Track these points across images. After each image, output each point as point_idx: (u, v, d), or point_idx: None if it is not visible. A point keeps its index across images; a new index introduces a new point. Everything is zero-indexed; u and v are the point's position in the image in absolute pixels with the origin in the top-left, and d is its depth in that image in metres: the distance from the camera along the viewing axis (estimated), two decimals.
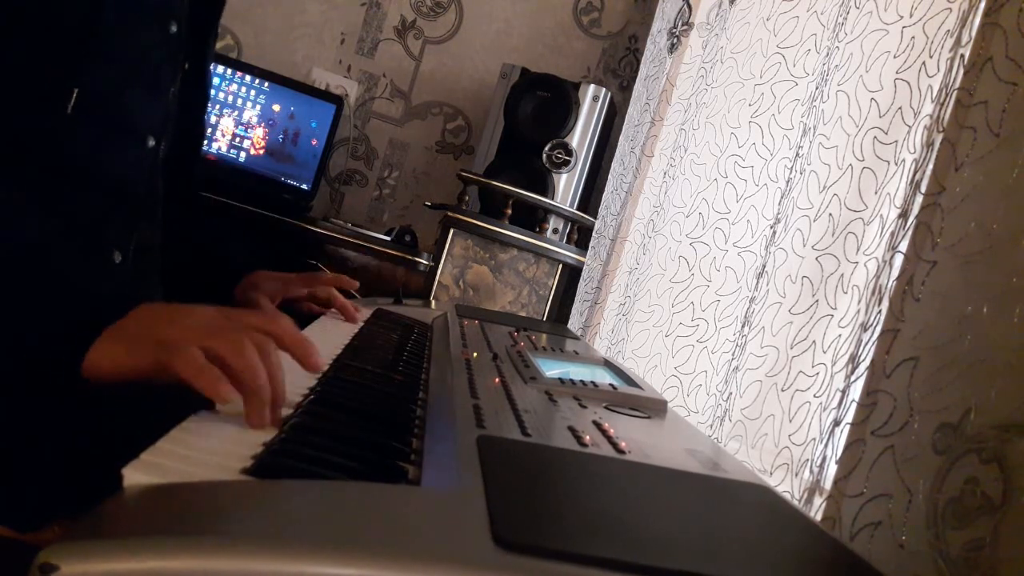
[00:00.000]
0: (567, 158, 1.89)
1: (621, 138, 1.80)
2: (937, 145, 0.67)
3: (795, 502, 0.79)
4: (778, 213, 1.10)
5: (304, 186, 2.07)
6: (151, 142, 0.88)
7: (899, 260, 0.69)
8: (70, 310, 0.62)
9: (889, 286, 0.70)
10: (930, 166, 0.68)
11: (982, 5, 0.68)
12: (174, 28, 0.89)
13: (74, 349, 0.59)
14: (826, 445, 0.76)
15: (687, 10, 1.66)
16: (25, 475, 0.68)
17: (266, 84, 2.06)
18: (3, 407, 0.68)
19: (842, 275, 0.94)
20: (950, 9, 0.85)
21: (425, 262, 1.87)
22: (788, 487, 0.86)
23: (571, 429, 0.62)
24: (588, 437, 0.60)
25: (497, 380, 0.75)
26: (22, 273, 0.64)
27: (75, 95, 0.76)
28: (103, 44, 0.79)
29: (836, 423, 0.74)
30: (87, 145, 0.80)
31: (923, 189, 0.68)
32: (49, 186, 0.78)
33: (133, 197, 0.88)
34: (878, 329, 0.68)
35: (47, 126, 0.77)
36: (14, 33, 0.74)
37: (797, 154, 1.08)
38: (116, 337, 0.60)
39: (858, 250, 0.92)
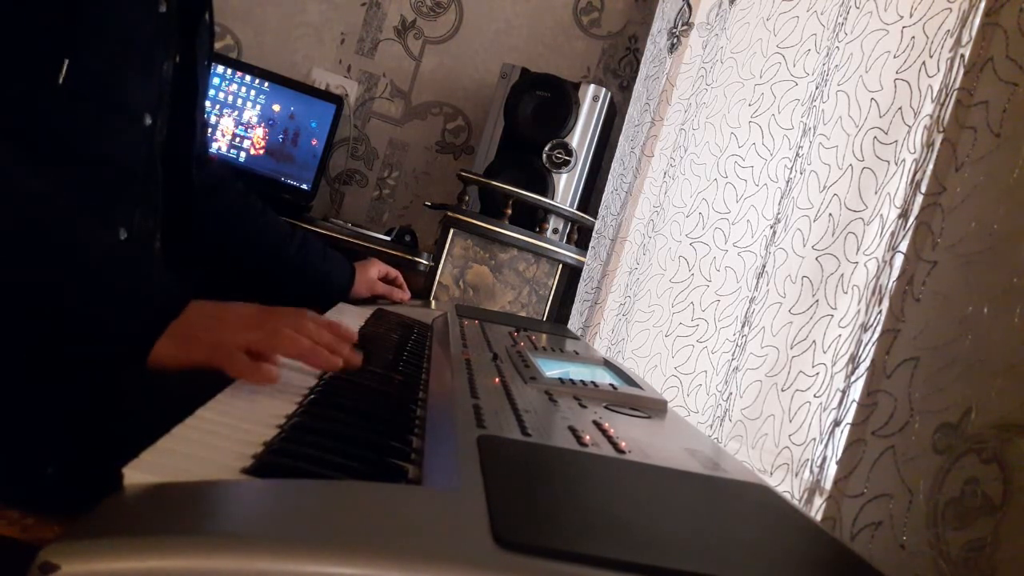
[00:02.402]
0: (567, 158, 1.89)
1: (621, 138, 1.80)
2: (937, 145, 0.67)
3: (795, 502, 0.79)
4: (778, 213, 1.10)
5: (304, 186, 2.07)
6: (148, 120, 0.89)
7: (899, 260, 0.69)
8: (137, 315, 0.71)
9: (889, 286, 0.70)
10: (930, 166, 0.68)
11: (982, 5, 0.68)
12: (163, 8, 0.90)
13: (141, 349, 0.69)
14: (826, 445, 0.76)
15: (687, 10, 1.66)
16: (40, 460, 0.70)
17: (266, 84, 2.06)
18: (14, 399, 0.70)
19: (842, 275, 0.94)
20: (950, 9, 0.85)
21: (425, 262, 1.87)
22: (788, 487, 0.86)
23: (571, 429, 0.62)
24: (588, 437, 0.60)
25: (497, 380, 0.75)
26: (92, 270, 0.71)
27: (66, 66, 0.78)
28: (92, 19, 0.80)
29: (836, 423, 0.74)
30: (84, 122, 0.81)
31: (923, 189, 0.68)
32: (49, 165, 0.79)
33: (133, 175, 0.88)
34: (878, 329, 0.68)
35: (41, 102, 0.77)
36: (3, 9, 0.75)
37: (797, 154, 1.08)
38: (173, 336, 0.70)
39: (858, 250, 0.92)
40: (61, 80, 0.78)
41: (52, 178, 0.79)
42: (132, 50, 0.86)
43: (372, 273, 1.35)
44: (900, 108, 0.91)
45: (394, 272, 1.40)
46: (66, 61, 0.78)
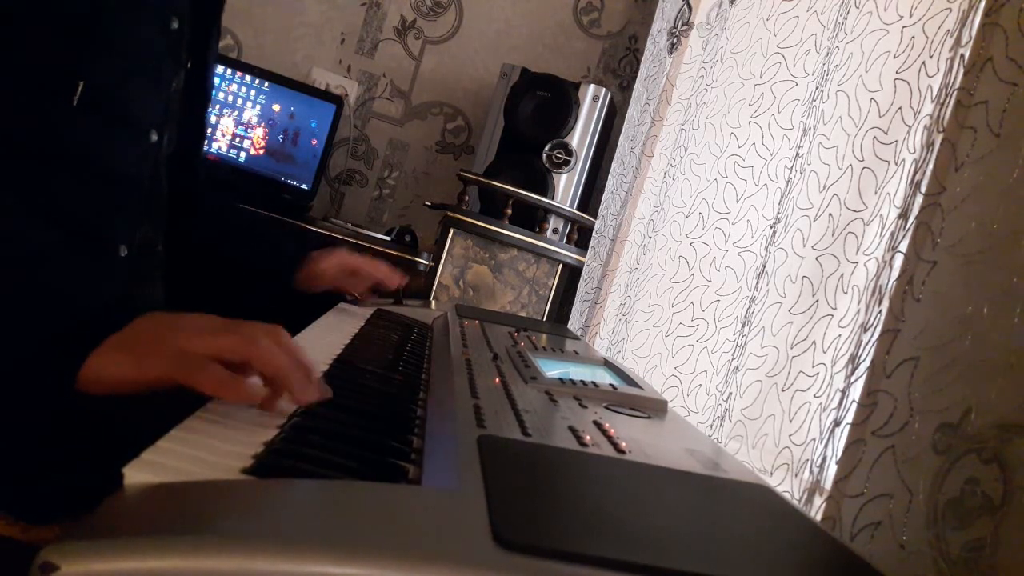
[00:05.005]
0: (567, 158, 1.89)
1: (621, 138, 1.80)
2: (937, 145, 0.67)
3: (795, 502, 0.79)
4: (778, 213, 1.10)
5: (304, 186, 2.07)
6: (154, 136, 0.89)
7: (899, 260, 0.69)
8: (70, 317, 0.60)
9: (889, 286, 0.70)
10: (930, 166, 0.68)
11: (982, 5, 0.68)
12: (175, 24, 0.89)
13: (71, 359, 0.57)
14: (826, 445, 0.76)
15: (687, 10, 1.66)
16: (33, 468, 0.69)
17: (266, 84, 2.06)
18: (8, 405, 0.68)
19: (842, 275, 0.94)
20: (950, 9, 0.85)
21: (425, 262, 1.87)
22: (788, 487, 0.86)
23: (571, 429, 0.62)
24: (588, 437, 0.60)
25: (497, 380, 0.75)
26: (21, 282, 0.63)
27: (80, 88, 0.77)
28: (105, 37, 0.80)
29: (836, 423, 0.74)
30: (91, 138, 0.81)
31: (923, 189, 0.68)
32: (53, 180, 0.78)
33: (137, 191, 0.88)
34: (878, 329, 0.68)
35: (52, 119, 0.77)
36: (20, 24, 0.75)
37: (797, 154, 1.08)
38: (121, 346, 0.59)
39: (858, 250, 0.92)
40: (75, 102, 0.77)
41: (51, 193, 0.79)
42: (142, 67, 0.86)
43: (322, 265, 1.16)
44: (900, 108, 0.91)
45: (356, 265, 1.18)
46: (81, 83, 0.77)
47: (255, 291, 1.18)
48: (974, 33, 0.68)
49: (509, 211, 1.81)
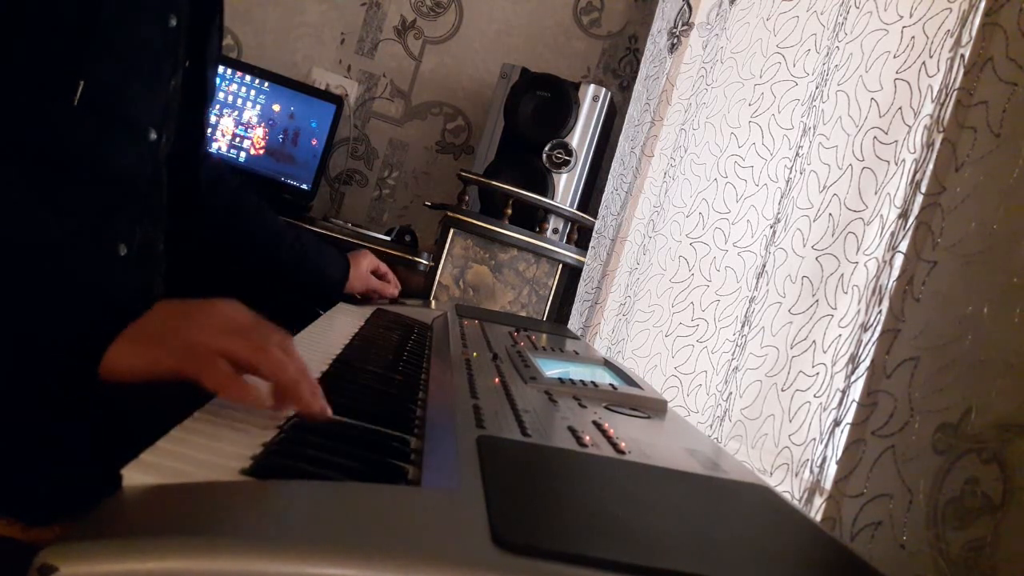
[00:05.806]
0: (567, 158, 1.89)
1: (621, 138, 1.80)
2: (937, 145, 0.67)
3: (795, 502, 0.79)
4: (778, 213, 1.10)
5: (304, 186, 2.07)
6: (153, 135, 0.89)
7: (899, 260, 0.69)
8: (86, 311, 0.61)
9: (889, 286, 0.70)
10: (930, 166, 0.68)
11: (982, 5, 0.68)
12: (173, 22, 0.89)
13: (92, 351, 0.59)
14: (826, 445, 0.76)
15: (687, 10, 1.66)
16: (33, 469, 0.69)
17: (266, 84, 2.06)
18: (8, 406, 0.68)
19: (842, 275, 0.94)
20: (950, 9, 0.85)
21: (425, 262, 1.87)
22: (788, 487, 0.86)
23: (571, 429, 0.62)
24: (588, 437, 0.60)
25: (497, 380, 0.75)
26: (35, 274, 0.64)
27: (81, 87, 0.77)
28: (103, 36, 0.80)
29: (836, 423, 0.74)
30: (90, 137, 0.80)
31: (923, 189, 0.68)
32: (53, 180, 0.78)
33: (136, 190, 0.88)
34: (878, 329, 0.68)
35: (52, 119, 0.77)
36: (18, 25, 0.75)
37: (797, 154, 1.08)
38: (135, 338, 0.60)
39: (858, 250, 0.92)
40: (76, 101, 0.77)
41: (52, 192, 0.79)
42: (141, 66, 0.85)
43: (364, 267, 1.34)
44: (900, 108, 0.91)
45: (384, 267, 1.39)
46: (81, 83, 0.77)
47: (309, 295, 1.28)
48: (974, 33, 0.68)
49: (509, 211, 1.81)
